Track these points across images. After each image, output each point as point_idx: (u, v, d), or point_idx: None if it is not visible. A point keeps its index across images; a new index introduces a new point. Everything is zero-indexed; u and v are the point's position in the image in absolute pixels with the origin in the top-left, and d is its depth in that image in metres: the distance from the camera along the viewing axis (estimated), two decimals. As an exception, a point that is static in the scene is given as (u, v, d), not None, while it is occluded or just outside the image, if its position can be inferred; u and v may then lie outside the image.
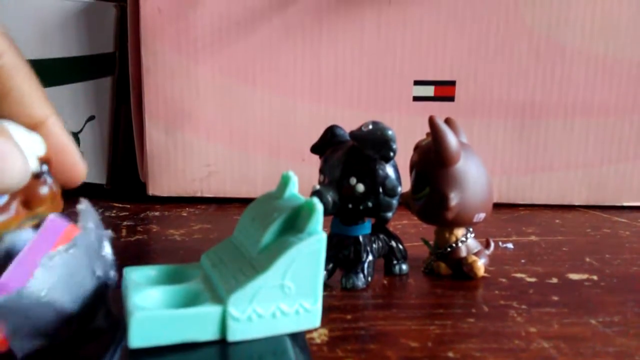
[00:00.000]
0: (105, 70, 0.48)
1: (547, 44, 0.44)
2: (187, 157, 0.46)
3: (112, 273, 0.21)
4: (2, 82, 0.20)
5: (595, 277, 0.31)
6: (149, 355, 0.18)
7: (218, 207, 0.45)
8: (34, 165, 0.20)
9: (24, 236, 0.20)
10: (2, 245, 0.20)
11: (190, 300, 0.20)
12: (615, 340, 0.23)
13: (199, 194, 0.46)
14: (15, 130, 0.20)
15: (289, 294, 0.20)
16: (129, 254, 0.34)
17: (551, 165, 0.46)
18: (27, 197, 0.20)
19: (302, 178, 0.24)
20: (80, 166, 0.22)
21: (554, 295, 0.28)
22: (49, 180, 0.20)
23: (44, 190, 0.20)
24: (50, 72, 0.47)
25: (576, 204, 0.46)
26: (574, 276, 0.31)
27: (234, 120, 0.45)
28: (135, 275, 0.21)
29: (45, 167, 0.21)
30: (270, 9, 0.43)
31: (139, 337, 0.18)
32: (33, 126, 0.21)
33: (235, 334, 0.19)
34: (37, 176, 0.20)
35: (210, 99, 0.45)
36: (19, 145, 0.19)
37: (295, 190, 0.22)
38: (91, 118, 0.48)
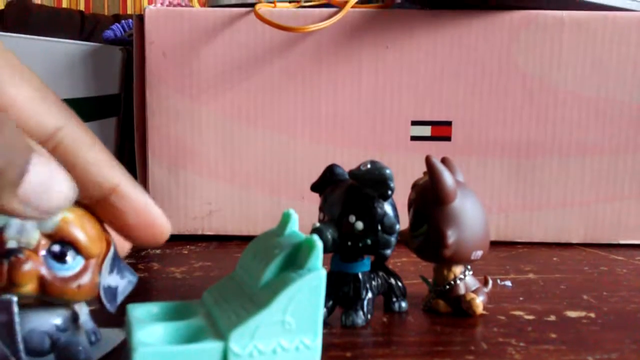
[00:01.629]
0: (111, 110, 0.49)
1: (540, 86, 0.45)
2: (188, 195, 0.47)
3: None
4: (65, 157, 0.19)
5: (592, 315, 0.31)
6: (151, 392, 0.18)
7: (219, 245, 0.46)
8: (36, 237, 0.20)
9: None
10: None
11: (193, 336, 0.20)
12: (613, 378, 0.24)
13: (200, 232, 0.47)
14: None
15: (289, 329, 0.20)
16: (131, 291, 0.34)
17: (548, 203, 0.46)
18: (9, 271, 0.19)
19: (302, 216, 0.25)
20: (162, 222, 0.22)
21: (552, 332, 0.28)
22: (23, 266, 0.19)
23: (24, 268, 0.19)
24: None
25: (574, 241, 0.47)
26: (571, 314, 0.31)
27: (235, 160, 0.46)
28: (138, 312, 0.22)
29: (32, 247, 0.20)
30: (271, 53, 0.45)
31: (141, 372, 0.18)
32: (105, 196, 0.20)
33: (237, 370, 0.19)
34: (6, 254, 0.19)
35: (213, 139, 0.46)
36: (62, 170, 0.18)
37: (296, 227, 0.23)
38: (95, 157, 0.49)
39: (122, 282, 0.23)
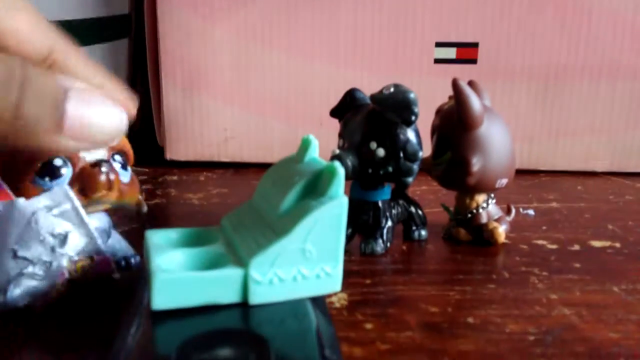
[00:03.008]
0: (122, 32, 0.47)
1: (573, 4, 0.42)
2: (204, 121, 0.46)
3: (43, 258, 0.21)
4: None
5: (617, 245, 0.30)
6: (172, 317, 0.18)
7: (235, 172, 0.45)
8: (103, 152, 0.23)
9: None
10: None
11: (212, 263, 0.20)
12: (637, 308, 0.23)
13: (216, 159, 0.46)
14: None
15: (309, 257, 0.20)
16: (149, 217, 0.34)
17: (574, 131, 0.45)
18: (82, 185, 0.22)
19: (320, 143, 0.24)
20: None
21: (575, 262, 0.28)
22: (105, 169, 0.22)
23: (101, 178, 0.22)
24: (66, 34, 0.47)
25: (599, 170, 0.46)
26: (596, 243, 0.30)
27: (250, 84, 0.45)
28: (157, 237, 0.22)
29: (106, 158, 0.23)
30: (288, -31, 0.42)
31: (161, 299, 0.18)
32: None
33: (257, 297, 0.19)
34: (94, 165, 0.22)
35: (227, 62, 0.44)
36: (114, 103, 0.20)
37: (316, 154, 0.22)
38: (108, 81, 0.48)
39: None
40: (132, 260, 0.24)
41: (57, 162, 0.22)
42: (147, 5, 0.44)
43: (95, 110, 0.19)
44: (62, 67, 0.20)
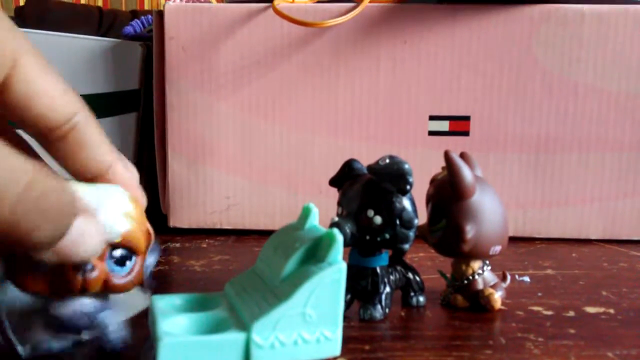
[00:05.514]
0: (131, 106, 0.50)
1: (560, 81, 0.45)
2: (207, 190, 0.47)
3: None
4: (79, 138, 0.21)
5: (612, 311, 0.31)
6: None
7: (237, 239, 0.46)
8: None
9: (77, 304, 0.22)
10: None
11: (215, 327, 0.20)
12: (633, 373, 0.23)
13: (218, 226, 0.47)
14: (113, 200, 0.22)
15: (310, 322, 0.20)
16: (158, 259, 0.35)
17: (567, 200, 0.46)
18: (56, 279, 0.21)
19: (320, 210, 0.25)
20: (143, 200, 0.24)
21: (570, 328, 0.28)
22: (81, 271, 0.21)
23: (92, 276, 0.21)
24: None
25: (593, 238, 0.46)
26: (590, 309, 0.31)
27: (253, 155, 0.47)
28: (162, 303, 0.22)
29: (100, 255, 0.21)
30: (289, 49, 0.45)
31: (166, 362, 0.19)
32: (104, 172, 0.22)
33: (259, 361, 0.20)
34: (75, 267, 0.21)
35: (231, 135, 0.46)
36: (98, 224, 0.20)
37: (316, 221, 0.23)
38: (115, 152, 0.50)
39: (151, 257, 0.24)
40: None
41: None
42: (156, 81, 0.47)
43: (86, 236, 0.20)
44: (78, 136, 0.21)
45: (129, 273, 0.22)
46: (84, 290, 0.21)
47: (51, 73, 0.21)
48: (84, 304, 0.22)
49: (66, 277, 0.21)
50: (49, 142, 0.21)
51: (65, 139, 0.21)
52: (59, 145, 0.21)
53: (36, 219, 0.17)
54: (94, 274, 0.21)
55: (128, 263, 0.22)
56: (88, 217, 0.20)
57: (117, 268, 0.22)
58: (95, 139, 0.22)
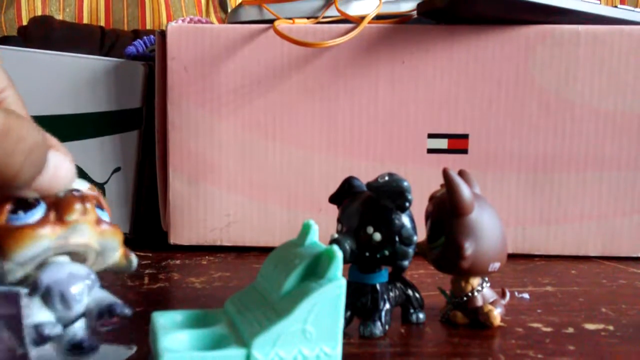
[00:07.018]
0: (132, 124, 0.50)
1: (556, 100, 0.45)
2: (208, 207, 0.47)
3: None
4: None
5: (611, 327, 0.31)
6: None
7: (237, 256, 0.46)
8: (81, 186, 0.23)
9: (59, 269, 0.22)
10: (42, 277, 0.21)
11: (216, 344, 0.21)
12: (632, 390, 0.24)
13: (218, 243, 0.48)
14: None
15: (310, 338, 0.21)
16: (152, 300, 0.35)
17: (565, 217, 0.46)
18: (56, 208, 0.22)
19: (320, 227, 0.25)
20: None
21: (570, 345, 0.28)
22: (78, 194, 0.22)
23: (75, 202, 0.22)
24: (80, 126, 0.50)
25: (591, 255, 0.47)
26: (590, 326, 0.31)
27: (253, 173, 0.47)
28: (163, 319, 0.22)
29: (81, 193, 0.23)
30: (289, 69, 0.46)
31: (167, 378, 0.19)
32: None
33: (259, 377, 0.20)
34: (69, 192, 0.22)
35: (232, 153, 0.47)
36: (67, 154, 0.22)
37: (316, 238, 0.24)
38: (117, 170, 0.50)
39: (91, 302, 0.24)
40: (118, 310, 0.22)
41: (29, 196, 0.22)
42: (157, 100, 0.47)
43: (63, 172, 0.21)
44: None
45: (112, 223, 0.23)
46: (84, 213, 0.22)
47: None
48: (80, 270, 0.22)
49: (63, 197, 0.22)
50: None
51: None
52: None
53: (19, 161, 0.19)
54: (88, 203, 0.22)
55: (105, 212, 0.23)
56: (55, 149, 0.21)
57: (99, 210, 0.23)
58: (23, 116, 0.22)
